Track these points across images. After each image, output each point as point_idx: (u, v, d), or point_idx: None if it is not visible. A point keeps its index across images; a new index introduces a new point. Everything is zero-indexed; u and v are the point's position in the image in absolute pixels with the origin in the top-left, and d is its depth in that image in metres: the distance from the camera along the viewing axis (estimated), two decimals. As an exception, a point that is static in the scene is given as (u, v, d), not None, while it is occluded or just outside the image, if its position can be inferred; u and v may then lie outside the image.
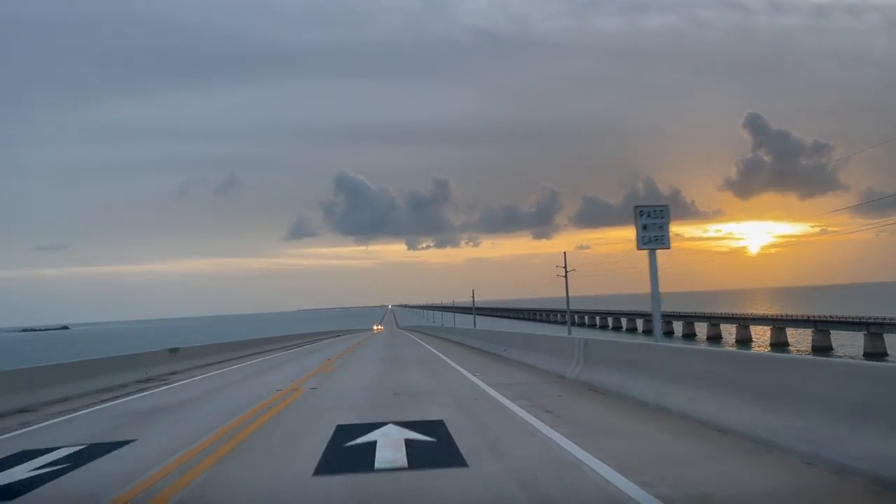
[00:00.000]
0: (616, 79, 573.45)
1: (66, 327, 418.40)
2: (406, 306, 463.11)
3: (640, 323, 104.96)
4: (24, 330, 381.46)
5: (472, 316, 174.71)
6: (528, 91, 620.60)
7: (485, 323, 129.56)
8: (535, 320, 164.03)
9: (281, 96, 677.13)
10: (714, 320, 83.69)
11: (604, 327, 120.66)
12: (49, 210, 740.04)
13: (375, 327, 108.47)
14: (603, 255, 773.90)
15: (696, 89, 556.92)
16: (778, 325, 70.07)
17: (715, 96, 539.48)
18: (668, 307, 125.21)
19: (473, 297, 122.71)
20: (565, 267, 70.22)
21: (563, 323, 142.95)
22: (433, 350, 26.87)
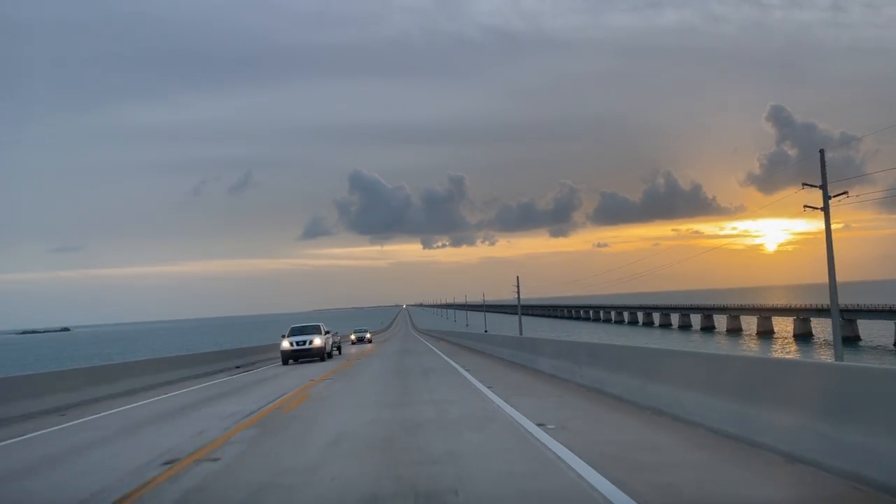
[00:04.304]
0: (632, 74, 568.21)
1: (66, 329, 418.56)
2: (421, 305, 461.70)
3: (674, 318, 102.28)
4: (24, 332, 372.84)
5: (500, 315, 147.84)
6: (543, 88, 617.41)
7: (530, 325, 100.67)
8: (579, 319, 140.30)
9: (294, 96, 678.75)
10: (733, 312, 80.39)
11: (634, 323, 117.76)
12: (66, 212, 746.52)
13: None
14: (622, 254, 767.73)
15: (714, 83, 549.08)
16: (801, 315, 66.84)
17: (734, 91, 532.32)
18: (689, 301, 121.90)
19: (518, 290, 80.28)
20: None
21: (621, 322, 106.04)
22: None
